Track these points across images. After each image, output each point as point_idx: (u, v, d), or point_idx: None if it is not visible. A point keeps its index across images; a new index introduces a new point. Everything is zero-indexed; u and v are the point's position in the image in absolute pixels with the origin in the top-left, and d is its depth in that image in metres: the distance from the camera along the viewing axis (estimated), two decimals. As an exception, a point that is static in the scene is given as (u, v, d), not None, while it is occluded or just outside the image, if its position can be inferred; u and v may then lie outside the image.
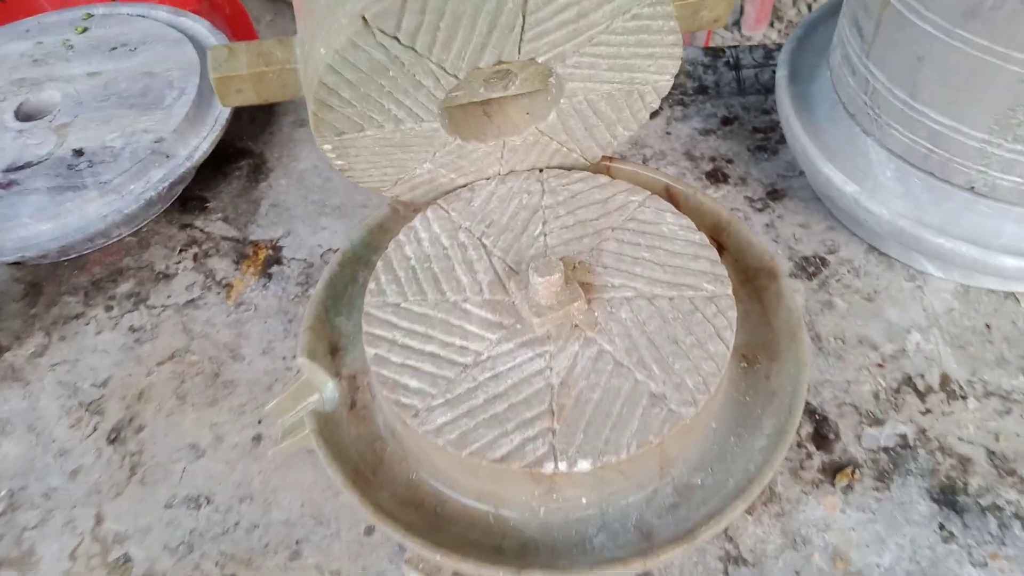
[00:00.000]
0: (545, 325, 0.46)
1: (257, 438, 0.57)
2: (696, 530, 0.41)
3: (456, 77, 0.46)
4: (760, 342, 0.51)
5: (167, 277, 0.67)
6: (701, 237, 0.51)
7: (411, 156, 0.51)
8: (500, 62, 0.46)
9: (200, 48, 0.74)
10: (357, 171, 0.51)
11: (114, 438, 0.58)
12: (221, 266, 0.67)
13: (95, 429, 0.58)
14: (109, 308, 0.65)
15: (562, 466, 0.41)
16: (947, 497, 0.52)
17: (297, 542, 0.52)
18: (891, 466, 0.54)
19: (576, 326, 0.47)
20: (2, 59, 0.73)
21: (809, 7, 1.25)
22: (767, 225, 0.67)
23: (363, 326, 0.47)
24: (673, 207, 0.53)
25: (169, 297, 0.65)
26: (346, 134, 0.47)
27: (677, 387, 0.44)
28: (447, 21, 0.42)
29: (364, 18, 0.41)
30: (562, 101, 0.51)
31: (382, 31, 0.42)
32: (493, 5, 0.42)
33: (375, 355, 0.46)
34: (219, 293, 0.65)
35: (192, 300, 0.65)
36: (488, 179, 0.55)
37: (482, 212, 0.53)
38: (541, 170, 0.56)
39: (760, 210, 0.69)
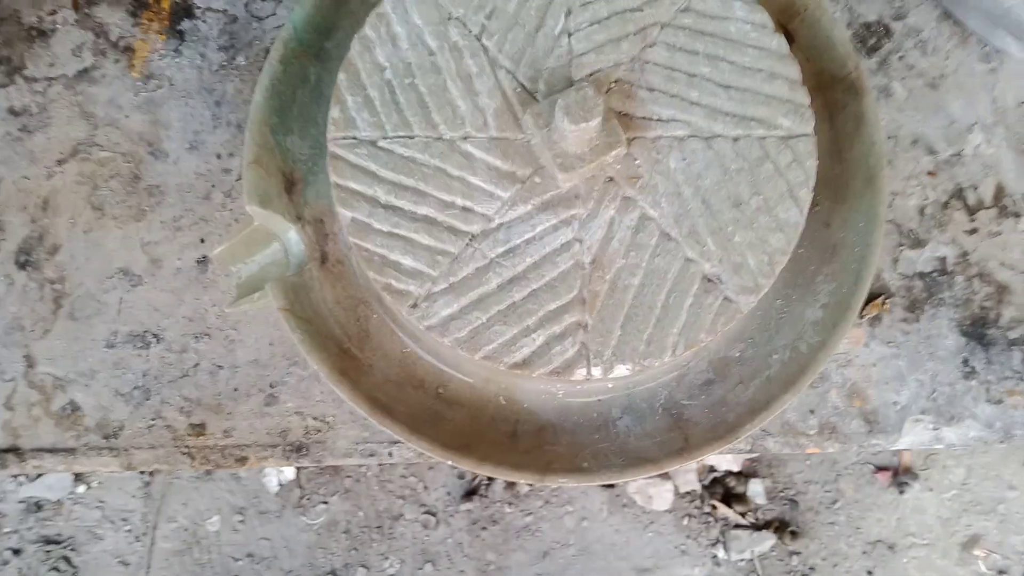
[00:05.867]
0: (572, 180, 0.36)
1: (203, 261, 0.48)
2: (738, 428, 0.36)
3: None
4: (825, 177, 0.41)
5: (43, 34, 0.50)
6: (780, 42, 0.38)
7: None
8: None
9: None
10: None
11: (24, 261, 0.47)
12: (114, 20, 0.50)
13: (-3, 249, 0.47)
14: (-29, 77, 0.49)
15: (596, 372, 0.34)
16: (976, 330, 0.49)
17: (272, 385, 0.46)
18: (924, 295, 0.49)
19: (612, 180, 0.36)
20: None
21: None
22: (830, -22, 0.53)
23: (331, 175, 0.36)
24: (743, -8, 0.39)
25: (52, 65, 0.49)
26: None
27: (736, 269, 0.35)
28: None
29: None
30: None
31: None
32: None
33: (353, 220, 0.35)
34: (118, 60, 0.49)
35: (85, 70, 0.49)
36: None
37: (482, -6, 0.38)
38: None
39: (824, -45, 0.53)
